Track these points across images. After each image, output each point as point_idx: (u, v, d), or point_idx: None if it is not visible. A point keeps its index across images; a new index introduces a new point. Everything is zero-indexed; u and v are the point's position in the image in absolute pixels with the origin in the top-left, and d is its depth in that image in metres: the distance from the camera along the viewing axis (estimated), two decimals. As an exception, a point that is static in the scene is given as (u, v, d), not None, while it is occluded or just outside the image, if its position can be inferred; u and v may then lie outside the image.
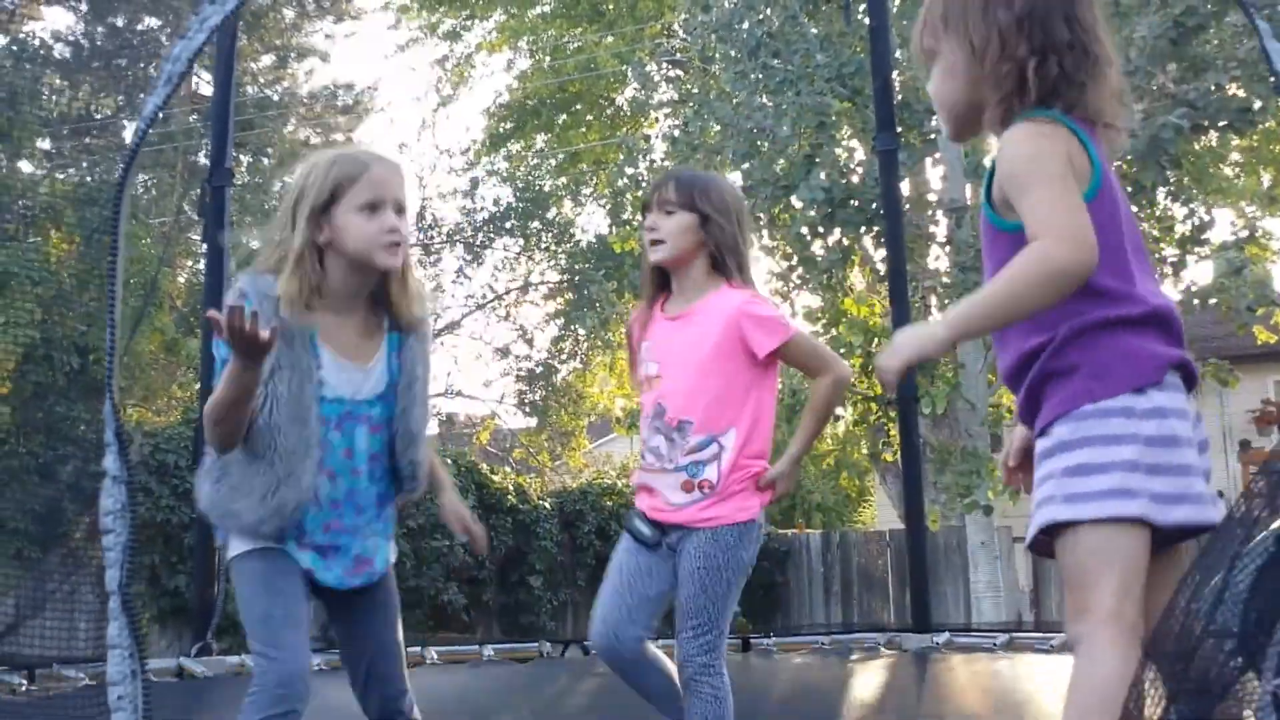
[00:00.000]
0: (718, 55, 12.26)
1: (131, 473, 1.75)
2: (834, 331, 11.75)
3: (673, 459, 3.10)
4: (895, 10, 11.10)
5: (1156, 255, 12.49)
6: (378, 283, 2.83)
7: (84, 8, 21.19)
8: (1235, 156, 15.92)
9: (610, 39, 19.06)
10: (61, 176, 14.52)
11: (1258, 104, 10.64)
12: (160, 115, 1.99)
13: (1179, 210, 12.54)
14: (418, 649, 5.62)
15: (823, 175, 10.64)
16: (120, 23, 21.58)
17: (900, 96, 10.81)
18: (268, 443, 2.66)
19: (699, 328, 3.15)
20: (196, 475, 2.79)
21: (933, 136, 11.60)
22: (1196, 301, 11.81)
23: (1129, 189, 11.40)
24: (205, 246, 6.41)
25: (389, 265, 2.78)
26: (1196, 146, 13.29)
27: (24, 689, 4.87)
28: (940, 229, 12.32)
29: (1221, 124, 10.75)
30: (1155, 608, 1.96)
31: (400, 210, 2.80)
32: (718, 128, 12.02)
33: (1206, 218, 11.99)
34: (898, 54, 10.69)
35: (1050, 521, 2.00)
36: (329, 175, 2.75)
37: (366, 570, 2.81)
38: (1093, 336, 2.06)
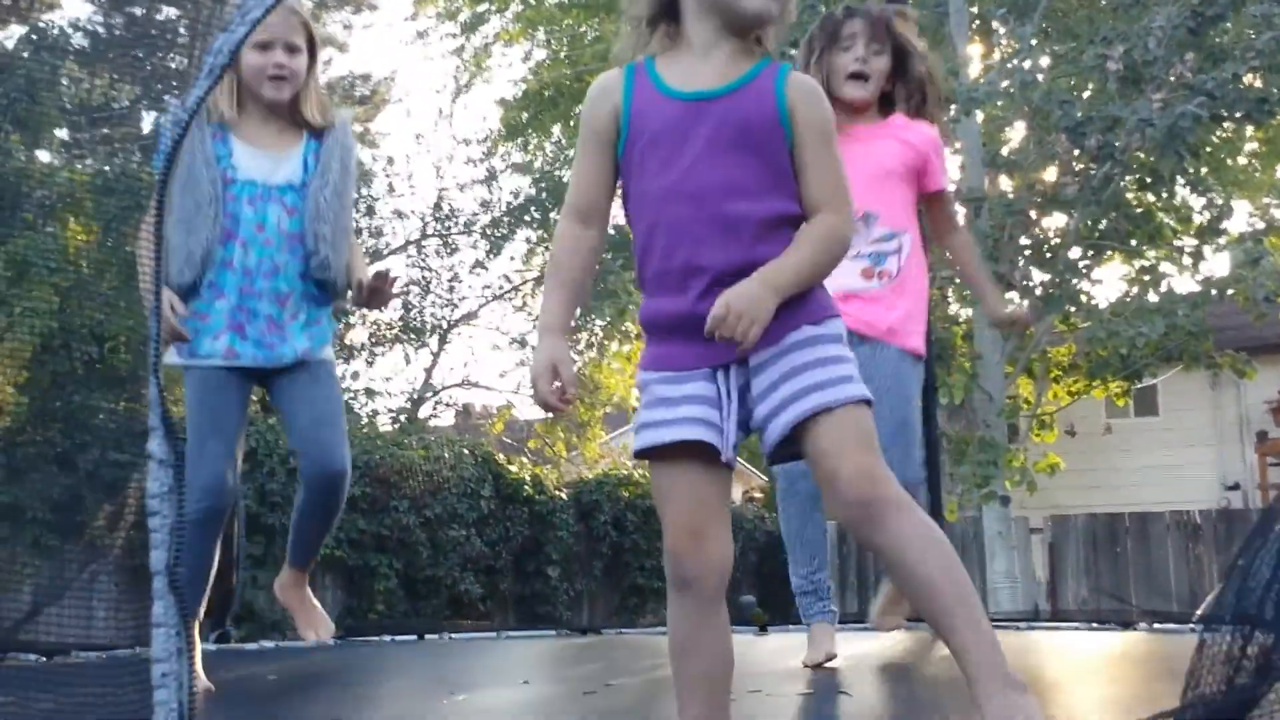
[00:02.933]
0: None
1: (179, 456, 1.80)
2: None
3: (856, 247, 3.15)
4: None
5: (1174, 245, 12.45)
6: (291, 103, 3.44)
7: (102, -2, 21.25)
8: (1251, 147, 15.86)
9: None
10: (79, 166, 14.57)
11: (1276, 94, 10.57)
12: (201, 107, 2.01)
13: (1196, 201, 12.50)
14: (436, 637, 5.63)
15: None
16: (139, 12, 21.64)
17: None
18: (183, 210, 3.24)
19: (888, 143, 3.33)
20: None
21: (952, 126, 11.57)
22: (1215, 292, 11.76)
23: (1148, 179, 11.37)
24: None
25: (273, 98, 3.40)
26: (1215, 138, 13.24)
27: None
28: (958, 219, 12.28)
29: (1239, 114, 10.69)
30: None
31: (291, 49, 3.38)
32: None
33: (1223, 207, 11.94)
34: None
35: (860, 397, 2.07)
36: (244, 19, 3.21)
37: (278, 334, 3.31)
38: None
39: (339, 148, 3.46)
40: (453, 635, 5.84)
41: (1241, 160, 16.21)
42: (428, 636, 5.51)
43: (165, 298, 2.81)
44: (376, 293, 3.41)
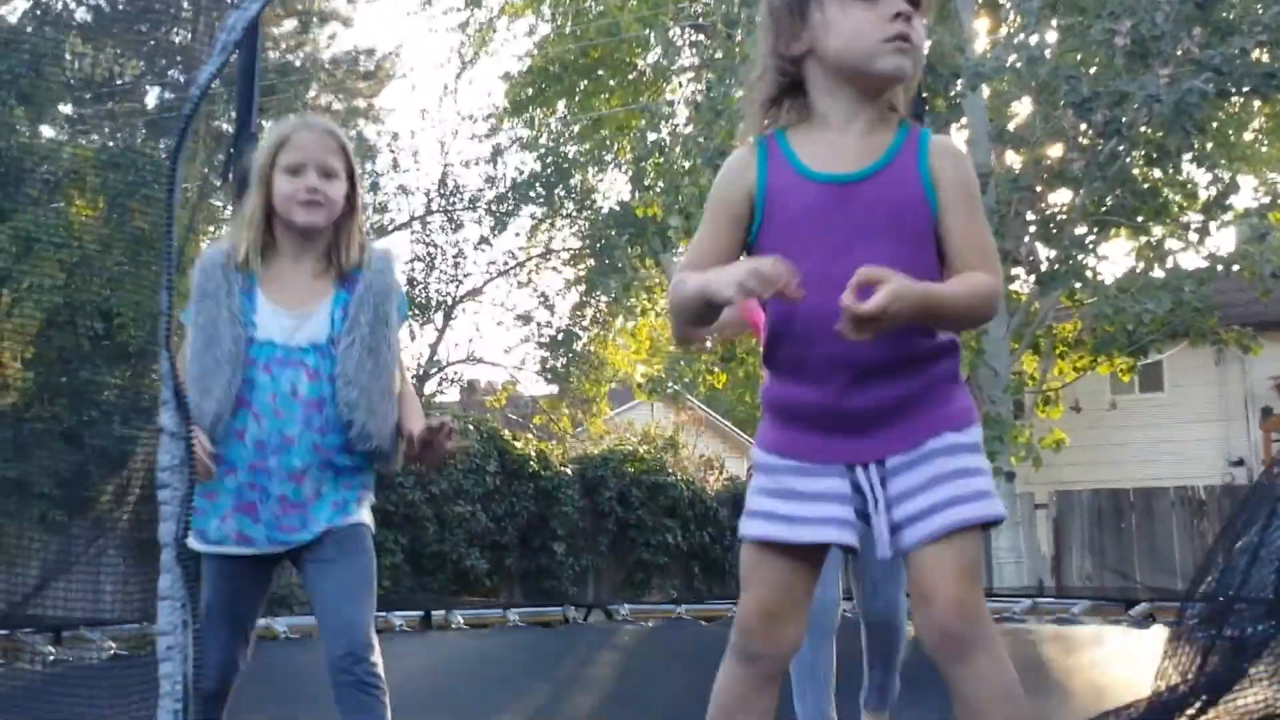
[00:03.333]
0: (742, 18, 12.18)
1: (189, 430, 1.78)
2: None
3: None
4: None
5: (1180, 221, 12.42)
6: (328, 242, 3.04)
7: (106, -28, 21.16)
8: (1259, 123, 15.81)
9: (633, 2, 18.95)
10: (83, 141, 14.55)
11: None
12: (213, 84, 2.00)
13: (1203, 176, 12.47)
14: (442, 613, 5.67)
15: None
16: (142, -13, 21.55)
17: (926, 60, 10.74)
18: (190, 373, 2.85)
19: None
20: None
21: (958, 101, 11.53)
22: (1220, 268, 11.74)
23: (1154, 154, 11.34)
24: (229, 212, 6.42)
25: (306, 223, 2.98)
26: (1221, 114, 13.20)
27: (52, 656, 4.92)
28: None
29: (1247, 89, 10.64)
30: None
31: (327, 174, 2.98)
32: (742, 94, 11.96)
33: (1229, 183, 11.91)
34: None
35: (998, 517, 2.02)
36: (269, 141, 3.02)
37: (298, 514, 2.91)
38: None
39: (372, 295, 3.05)
40: (460, 613, 5.86)
41: (1248, 136, 16.16)
42: (434, 614, 5.53)
43: (196, 436, 2.69)
44: (429, 447, 3.02)
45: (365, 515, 3.03)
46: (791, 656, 2.11)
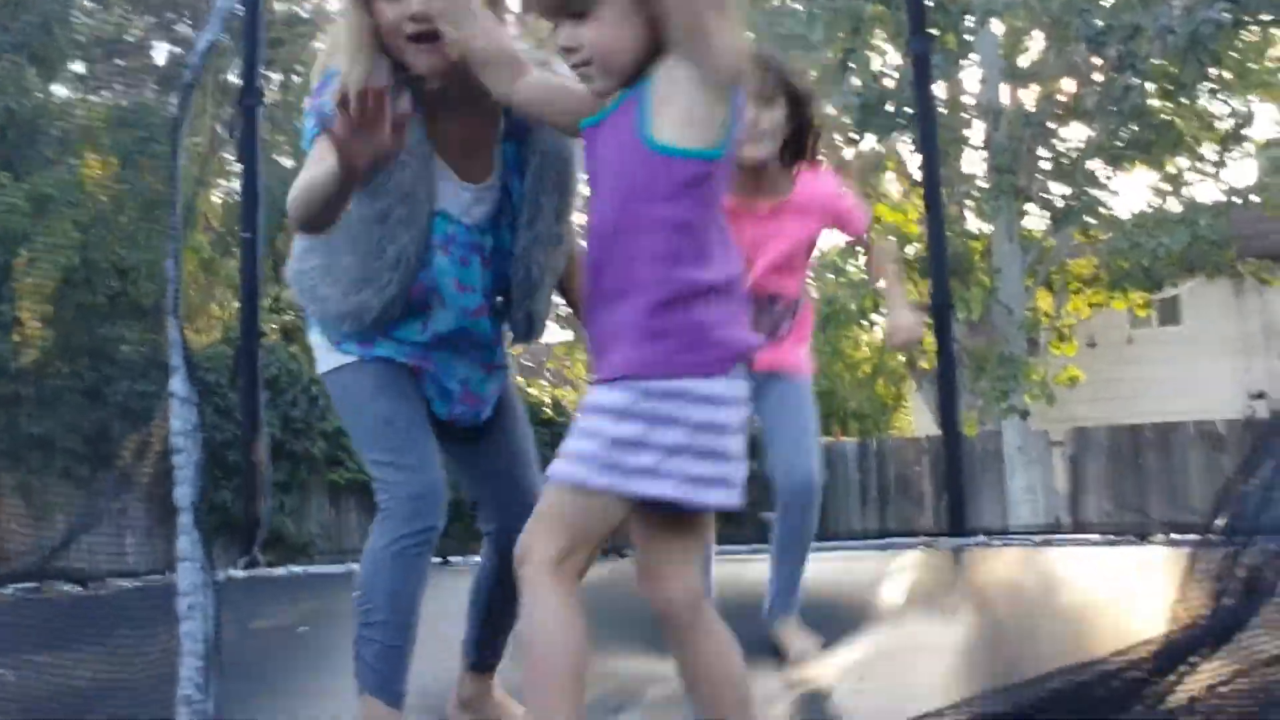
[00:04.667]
0: (749, -41, 12.10)
1: (201, 394, 1.75)
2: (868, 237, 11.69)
3: (761, 327, 3.15)
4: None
5: (1197, 153, 12.35)
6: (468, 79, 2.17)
7: (110, -73, 21.05)
8: (1277, 51, 15.62)
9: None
10: (95, 99, 14.56)
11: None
12: (219, 43, 2.00)
13: (1220, 108, 12.37)
14: (460, 559, 5.72)
15: (856, 80, 10.54)
16: (147, -59, 21.45)
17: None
18: (368, 234, 2.30)
19: (792, 222, 3.27)
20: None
21: (969, 38, 11.45)
22: (1239, 200, 11.69)
23: (1170, 86, 11.25)
24: (240, 167, 6.44)
25: (422, 68, 2.27)
26: (1239, 43, 13.07)
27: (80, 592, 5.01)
28: (975, 132, 12.19)
29: (1264, 18, 10.56)
30: (680, 570, 2.02)
31: None
32: (750, 35, 11.90)
33: (1246, 114, 11.84)
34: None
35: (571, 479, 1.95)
36: None
37: (473, 404, 2.53)
38: (683, 307, 1.95)
39: (547, 156, 2.42)
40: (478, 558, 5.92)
41: (1269, 64, 15.99)
42: (451, 559, 5.58)
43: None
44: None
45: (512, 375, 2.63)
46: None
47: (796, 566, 3.32)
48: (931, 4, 10.86)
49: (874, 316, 12.78)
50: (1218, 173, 11.95)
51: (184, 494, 1.64)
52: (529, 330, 2.52)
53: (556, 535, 1.95)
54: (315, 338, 2.50)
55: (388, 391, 2.36)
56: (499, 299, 2.47)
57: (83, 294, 10.66)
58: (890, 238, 3.10)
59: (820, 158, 3.29)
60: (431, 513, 2.31)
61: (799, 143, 3.16)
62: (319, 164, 2.13)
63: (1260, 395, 17.66)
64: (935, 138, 5.77)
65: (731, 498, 1.95)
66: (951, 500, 5.97)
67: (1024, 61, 12.38)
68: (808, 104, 3.16)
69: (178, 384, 1.71)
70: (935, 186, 5.69)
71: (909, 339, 3.32)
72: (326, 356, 2.46)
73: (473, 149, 2.38)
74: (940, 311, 5.71)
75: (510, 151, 2.42)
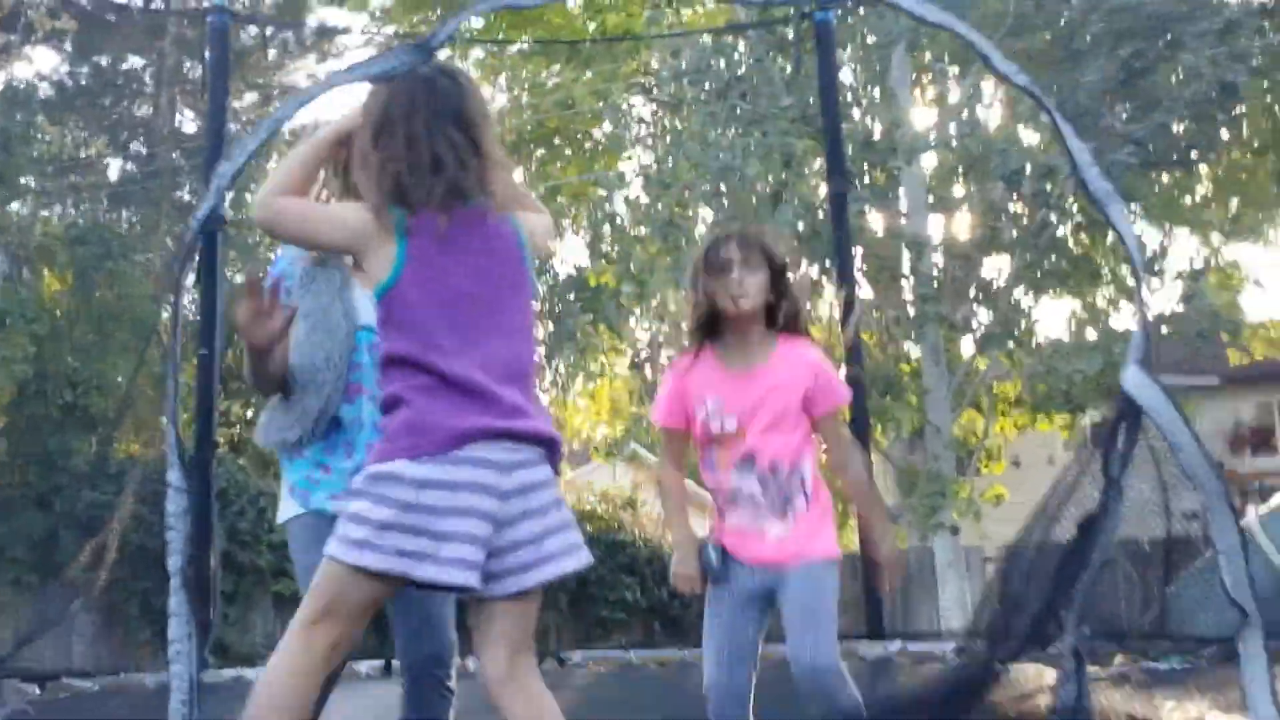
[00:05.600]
0: (689, 96, 12.69)
1: (189, 482, 2.10)
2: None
3: (769, 499, 3.33)
4: (850, 55, 11.58)
5: (1114, 283, 12.94)
6: None
7: (68, 47, 21.47)
8: (1202, 188, 16.38)
9: (589, 75, 19.48)
10: (45, 214, 14.85)
11: (1203, 141, 11.09)
12: (211, 217, 2.36)
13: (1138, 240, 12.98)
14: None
15: (789, 210, 11.06)
16: (104, 62, 21.88)
17: (864, 136, 11.29)
18: (297, 365, 2.94)
19: (781, 380, 3.37)
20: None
21: (896, 173, 12.04)
22: (1166, 329, 12.21)
23: (1083, 220, 11.87)
24: (197, 286, 6.74)
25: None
26: (1166, 179, 13.79)
27: (38, 696, 5.20)
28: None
29: (1171, 161, 11.22)
30: (504, 640, 2.46)
31: None
32: (690, 165, 12.41)
33: (1161, 248, 12.47)
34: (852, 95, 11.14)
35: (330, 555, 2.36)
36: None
37: None
38: (398, 404, 2.39)
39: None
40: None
41: (1191, 201, 16.73)
42: (394, 664, 5.84)
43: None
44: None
45: None
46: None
47: None
48: (862, 144, 11.50)
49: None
50: (1129, 301, 12.49)
51: (174, 562, 2.00)
52: None
53: (314, 599, 2.33)
54: (281, 489, 3.08)
55: (319, 545, 2.69)
56: None
57: (36, 405, 10.89)
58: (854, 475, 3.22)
59: (805, 333, 3.43)
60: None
61: (778, 310, 3.38)
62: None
63: (1194, 516, 18.13)
64: (851, 270, 6.22)
65: (468, 579, 2.30)
66: (869, 605, 6.32)
67: (952, 194, 12.97)
68: (785, 277, 3.46)
69: (172, 475, 2.06)
70: (852, 311, 6.12)
71: (892, 574, 3.57)
72: (282, 506, 3.05)
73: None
74: (859, 429, 6.10)
75: None
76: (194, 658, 1.97)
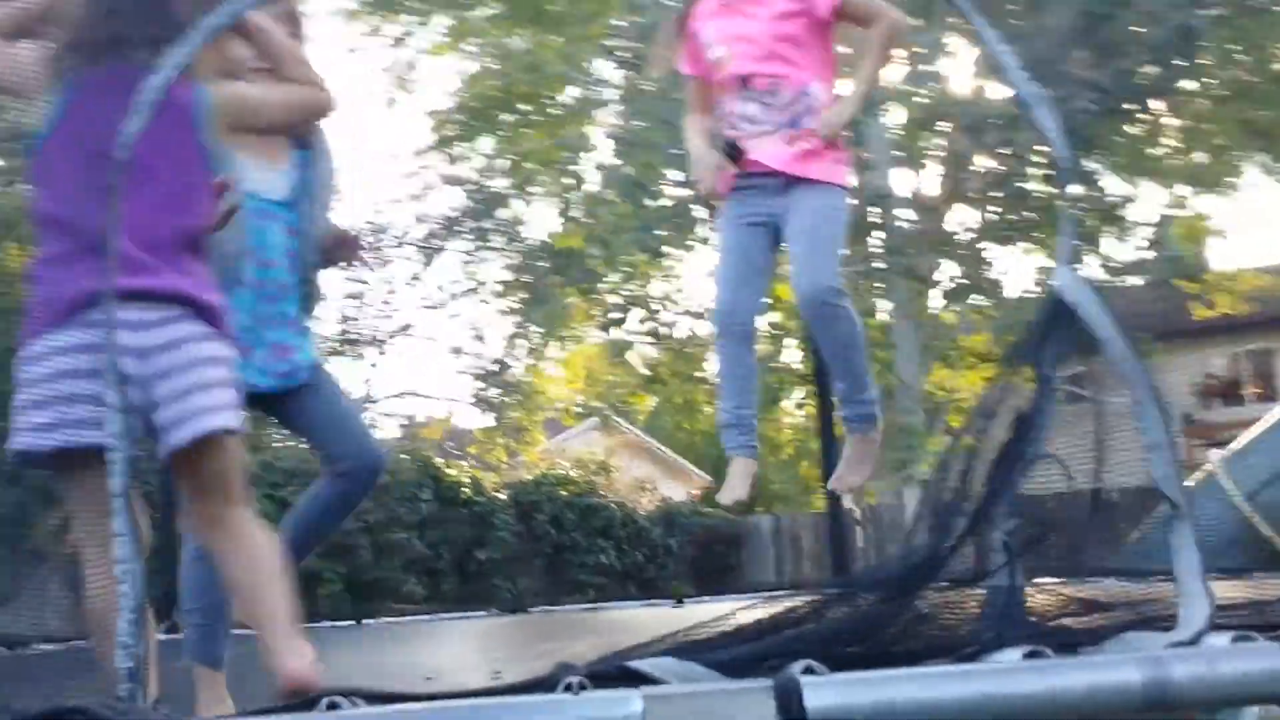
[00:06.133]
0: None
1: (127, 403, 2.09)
2: (776, 316, 12.16)
3: (771, 119, 3.38)
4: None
5: (1080, 232, 12.97)
6: None
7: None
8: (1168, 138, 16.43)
9: (558, 39, 19.36)
10: (7, 190, 14.74)
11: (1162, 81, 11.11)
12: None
13: (1105, 188, 13.01)
14: (372, 621, 6.02)
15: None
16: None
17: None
18: None
19: (778, 8, 3.41)
20: None
21: (860, 127, 12.03)
22: (1119, 280, 12.30)
23: (1049, 171, 11.89)
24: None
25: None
26: (1128, 130, 13.82)
27: (6, 654, 5.21)
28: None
29: (1131, 105, 11.24)
30: (198, 493, 2.43)
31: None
32: (656, 124, 12.36)
33: (1125, 196, 12.52)
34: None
35: None
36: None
37: (288, 359, 3.12)
38: (33, 279, 2.40)
39: (324, 158, 3.28)
40: (388, 620, 6.21)
41: (1156, 151, 16.77)
42: (365, 622, 5.87)
43: None
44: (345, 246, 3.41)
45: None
46: None
47: (849, 379, 3.47)
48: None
49: (796, 397, 13.15)
50: (1095, 250, 12.55)
51: (116, 483, 1.99)
52: (314, 296, 3.24)
53: None
54: None
55: None
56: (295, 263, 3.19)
57: (2, 379, 10.81)
58: (893, 20, 3.09)
59: None
60: None
61: None
62: None
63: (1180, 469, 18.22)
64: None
65: (96, 438, 2.17)
66: (835, 562, 6.36)
67: (917, 147, 12.98)
68: None
69: (110, 397, 2.05)
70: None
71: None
72: None
73: (273, 140, 3.14)
74: (821, 378, 6.12)
75: (298, 148, 3.22)
76: (140, 579, 1.97)
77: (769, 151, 3.38)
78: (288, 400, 3.15)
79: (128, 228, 2.22)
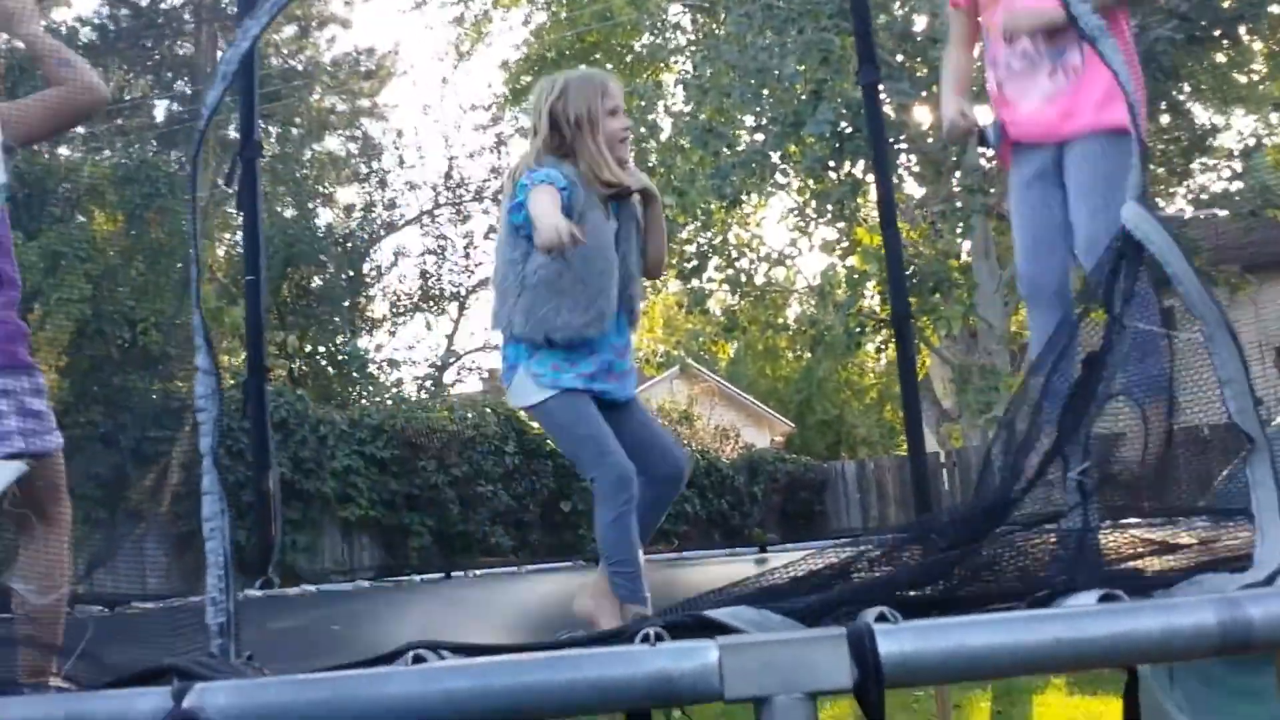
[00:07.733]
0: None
1: (217, 365, 2.16)
2: (850, 261, 12.07)
3: (1037, 63, 3.31)
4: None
5: (1164, 165, 12.71)
6: None
7: (108, -10, 21.61)
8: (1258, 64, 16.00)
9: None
10: (98, 158, 15.02)
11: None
12: (216, 108, 2.40)
13: (1191, 117, 12.71)
14: (461, 573, 6.11)
15: (829, 109, 10.94)
16: (144, 2, 22.02)
17: (901, 28, 11.12)
18: (579, 273, 3.32)
19: None
20: (496, 317, 3.46)
21: (938, 64, 11.86)
22: (1206, 213, 12.04)
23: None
24: (241, 218, 6.80)
25: (623, 157, 3.48)
26: (1221, 56, 13.47)
27: (106, 614, 5.35)
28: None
29: (1216, 33, 10.95)
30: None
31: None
32: (727, 69, 12.30)
33: (1211, 126, 12.22)
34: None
35: None
36: (591, 89, 3.47)
37: (618, 383, 3.44)
38: None
39: (635, 208, 3.57)
40: (476, 572, 6.31)
41: (1246, 77, 16.34)
42: (454, 574, 5.97)
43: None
44: None
45: None
46: None
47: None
48: (899, 35, 11.34)
49: (878, 342, 13.04)
50: (1181, 181, 12.29)
51: (206, 444, 2.06)
52: (632, 307, 3.52)
53: None
54: (519, 376, 3.42)
55: (582, 415, 3.34)
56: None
57: (95, 345, 11.08)
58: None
59: None
60: (630, 485, 3.22)
61: None
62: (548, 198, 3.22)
63: (1258, 403, 17.93)
64: (886, 162, 6.14)
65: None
66: (918, 509, 6.30)
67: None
68: None
69: (201, 359, 2.12)
70: (889, 208, 6.03)
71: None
72: (533, 393, 3.39)
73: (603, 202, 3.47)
74: (900, 324, 6.05)
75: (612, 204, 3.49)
76: (228, 535, 2.04)
77: (1040, 110, 3.32)
78: (609, 415, 3.41)
79: None
